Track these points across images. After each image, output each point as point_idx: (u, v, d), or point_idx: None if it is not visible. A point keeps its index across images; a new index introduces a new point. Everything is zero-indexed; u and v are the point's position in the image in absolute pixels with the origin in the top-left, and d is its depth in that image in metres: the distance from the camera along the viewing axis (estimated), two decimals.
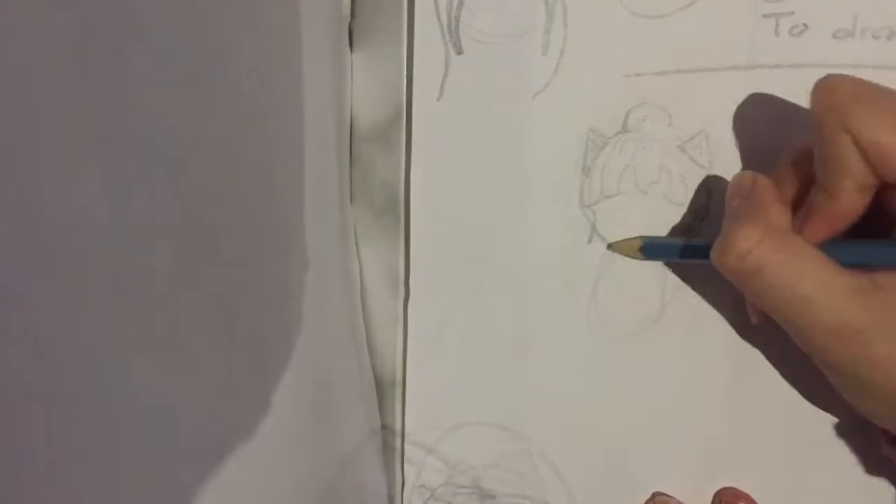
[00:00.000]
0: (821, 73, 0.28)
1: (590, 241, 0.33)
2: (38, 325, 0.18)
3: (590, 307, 0.33)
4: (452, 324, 0.33)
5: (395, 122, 0.32)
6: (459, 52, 0.31)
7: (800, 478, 0.34)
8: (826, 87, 0.27)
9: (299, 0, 0.27)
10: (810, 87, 0.28)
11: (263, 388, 0.25)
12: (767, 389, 0.33)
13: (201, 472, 0.22)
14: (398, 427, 0.34)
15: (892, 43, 0.31)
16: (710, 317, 0.33)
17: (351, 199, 0.34)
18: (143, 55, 0.20)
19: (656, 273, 0.33)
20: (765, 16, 0.31)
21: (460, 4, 0.30)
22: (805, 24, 0.31)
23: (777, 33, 0.31)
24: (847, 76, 0.27)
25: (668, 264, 0.33)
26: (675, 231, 0.33)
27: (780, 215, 0.28)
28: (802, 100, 0.30)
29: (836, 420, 0.33)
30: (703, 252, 0.29)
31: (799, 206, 0.29)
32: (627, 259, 0.33)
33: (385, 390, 0.34)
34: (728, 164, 0.32)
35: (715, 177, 0.32)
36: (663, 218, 0.33)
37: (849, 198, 0.27)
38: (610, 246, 0.33)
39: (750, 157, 0.32)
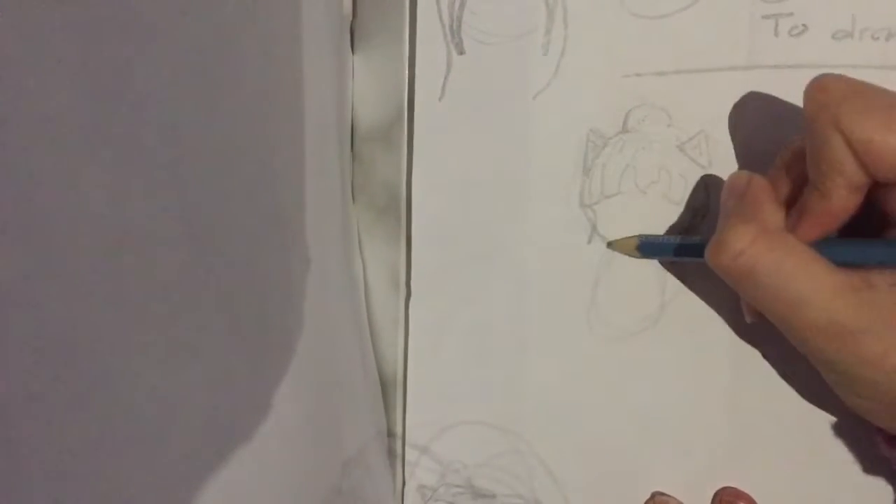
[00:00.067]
0: None
1: (590, 241, 0.33)
2: (38, 324, 0.18)
3: (590, 307, 0.33)
4: (453, 323, 0.33)
5: (397, 121, 0.32)
6: (461, 53, 0.31)
7: (799, 477, 0.34)
8: (818, 87, 0.27)
9: (300, 0, 0.27)
10: None
11: (264, 388, 0.25)
12: (767, 389, 0.33)
13: (201, 473, 0.22)
14: (399, 429, 0.34)
15: (890, 44, 0.31)
16: (710, 317, 0.33)
17: (353, 199, 0.34)
18: (143, 55, 0.20)
19: (656, 273, 0.33)
20: (764, 17, 0.31)
21: (462, 5, 0.31)
22: (804, 25, 0.31)
23: (776, 34, 0.31)
24: (840, 75, 0.27)
25: (667, 264, 0.33)
26: (674, 230, 0.33)
27: (773, 215, 0.28)
28: (802, 100, 0.30)
29: (835, 420, 0.33)
30: (699, 250, 0.30)
31: (794, 205, 0.29)
32: (627, 259, 0.33)
33: (387, 390, 0.34)
34: (727, 163, 0.32)
35: (714, 176, 0.32)
36: (663, 217, 0.33)
37: (841, 197, 0.27)
38: (609, 244, 0.33)
39: (749, 158, 0.32)
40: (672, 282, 0.33)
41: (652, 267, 0.33)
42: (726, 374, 0.34)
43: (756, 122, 0.32)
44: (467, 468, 0.34)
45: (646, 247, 0.32)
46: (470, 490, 0.34)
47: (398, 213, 0.32)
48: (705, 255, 0.29)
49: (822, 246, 0.28)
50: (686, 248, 0.31)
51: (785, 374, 0.33)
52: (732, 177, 0.30)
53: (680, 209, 0.33)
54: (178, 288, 0.21)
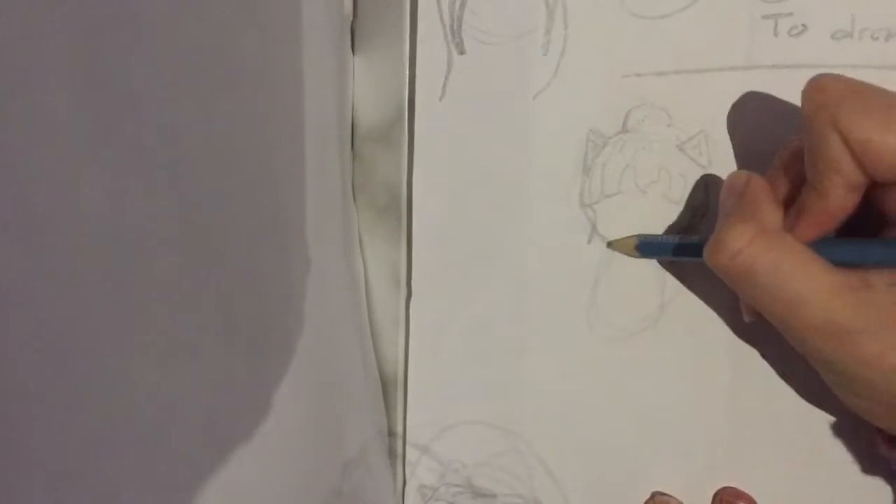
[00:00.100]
0: None
1: (590, 241, 0.33)
2: (38, 324, 0.18)
3: (590, 307, 0.33)
4: (453, 323, 0.33)
5: (397, 121, 0.32)
6: (461, 53, 0.31)
7: (799, 477, 0.34)
8: (816, 86, 0.27)
9: (300, 0, 0.27)
10: None
11: (263, 389, 0.25)
12: (767, 389, 0.33)
13: (201, 473, 0.22)
14: (399, 428, 0.34)
15: (890, 44, 0.31)
16: (710, 317, 0.33)
17: (353, 199, 0.34)
18: (143, 55, 0.20)
19: (656, 273, 0.33)
20: (764, 17, 0.31)
21: (463, 5, 0.31)
22: (804, 25, 0.31)
23: (776, 34, 0.31)
24: (838, 75, 0.27)
25: (667, 264, 0.33)
26: (674, 230, 0.33)
27: (772, 214, 0.28)
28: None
29: (835, 420, 0.33)
30: (698, 250, 0.30)
31: (792, 205, 0.29)
32: (627, 259, 0.33)
33: (387, 390, 0.34)
34: (727, 163, 0.32)
35: (714, 176, 0.32)
36: (663, 217, 0.33)
37: (839, 196, 0.27)
38: (609, 244, 0.33)
39: (748, 157, 0.32)
40: (671, 282, 0.33)
41: (651, 267, 0.33)
42: (726, 374, 0.34)
43: (755, 121, 0.32)
44: (467, 468, 0.34)
45: (645, 246, 0.32)
46: (470, 490, 0.34)
47: (399, 212, 0.32)
48: (704, 255, 0.29)
49: (820, 246, 0.28)
50: (685, 248, 0.31)
51: (784, 374, 0.33)
52: (731, 176, 0.30)
53: (679, 209, 0.33)
54: (177, 288, 0.21)
